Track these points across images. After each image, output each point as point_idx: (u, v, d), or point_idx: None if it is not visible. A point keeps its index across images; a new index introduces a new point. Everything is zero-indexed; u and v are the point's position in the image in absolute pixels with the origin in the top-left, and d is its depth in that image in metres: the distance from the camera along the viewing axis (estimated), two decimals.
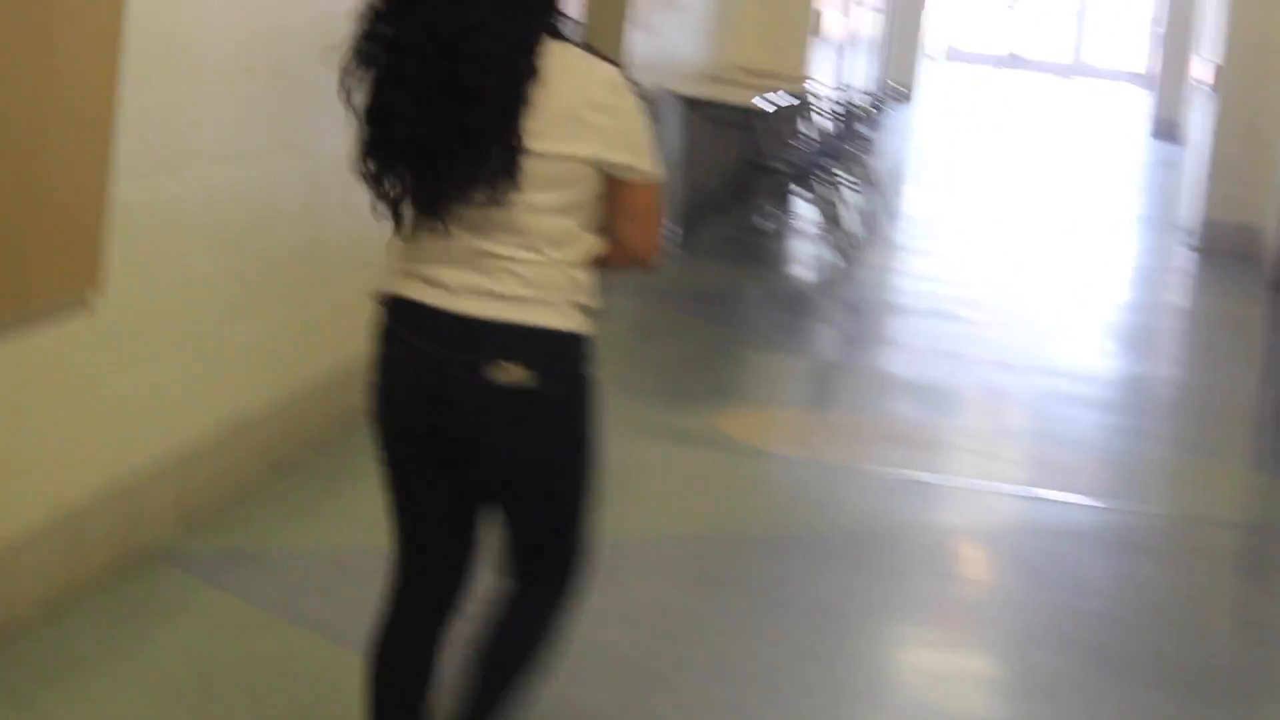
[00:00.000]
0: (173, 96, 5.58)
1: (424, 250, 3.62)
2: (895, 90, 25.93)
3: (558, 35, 3.56)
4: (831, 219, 12.92)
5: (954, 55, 36.22)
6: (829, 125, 13.45)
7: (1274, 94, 15.09)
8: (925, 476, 7.83)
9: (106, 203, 5.17)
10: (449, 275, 3.59)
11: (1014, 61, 36.36)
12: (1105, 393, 10.12)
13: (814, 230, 13.03)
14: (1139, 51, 34.16)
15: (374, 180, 3.59)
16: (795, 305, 11.54)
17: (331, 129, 6.80)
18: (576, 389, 3.66)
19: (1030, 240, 15.34)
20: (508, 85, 3.46)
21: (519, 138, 3.48)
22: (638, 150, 3.58)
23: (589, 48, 3.59)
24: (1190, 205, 15.73)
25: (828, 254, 12.72)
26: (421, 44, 3.47)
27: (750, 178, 13.15)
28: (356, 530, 6.08)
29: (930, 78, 30.71)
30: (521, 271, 3.57)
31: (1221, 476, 8.51)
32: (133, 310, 5.45)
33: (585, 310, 3.66)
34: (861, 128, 14.20)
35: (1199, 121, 16.04)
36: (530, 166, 3.51)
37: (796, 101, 14.17)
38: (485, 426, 3.60)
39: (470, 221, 3.56)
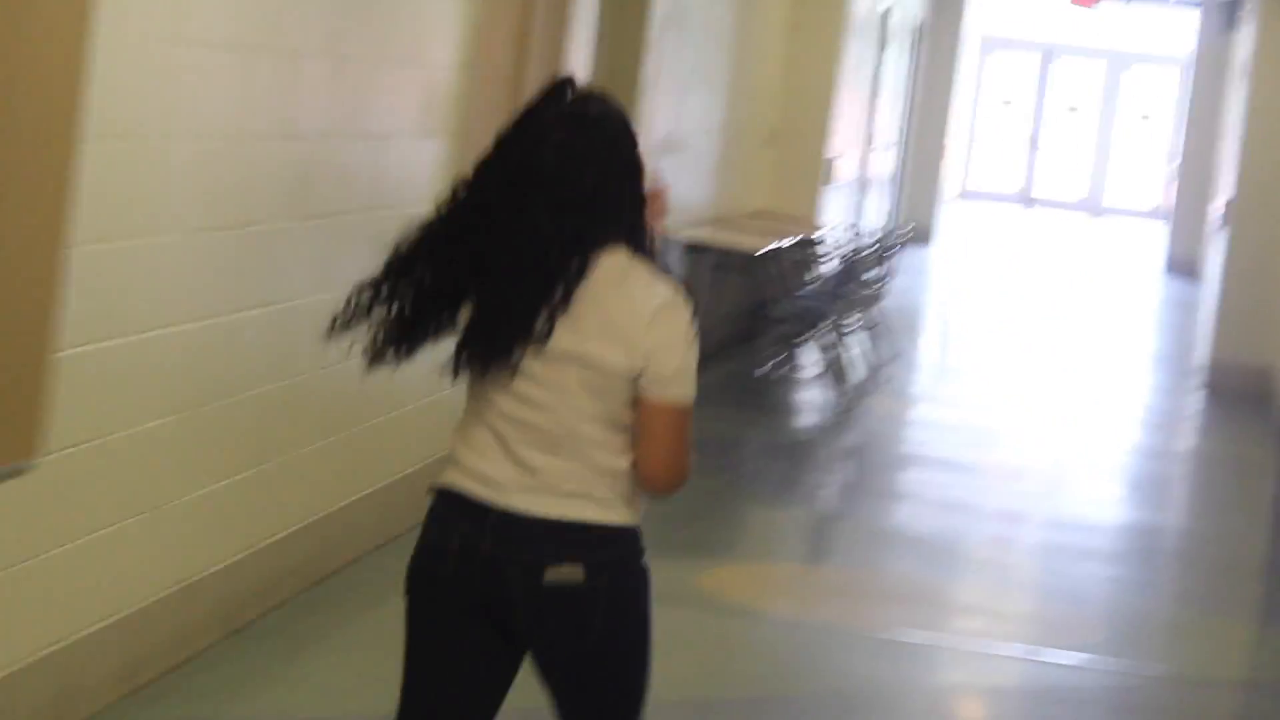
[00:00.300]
0: (127, 253, 5.42)
1: (474, 443, 3.72)
2: (910, 231, 25.93)
3: (632, 246, 3.66)
4: (836, 366, 12.72)
5: (973, 195, 36.11)
6: (837, 269, 13.23)
7: (1277, 232, 14.91)
8: (922, 637, 7.59)
9: (47, 367, 4.99)
10: (498, 470, 3.68)
11: (1033, 200, 36.28)
12: (1113, 544, 9.90)
13: (819, 377, 12.82)
14: (1156, 188, 34.06)
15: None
16: (795, 455, 11.31)
17: (302, 280, 6.71)
18: (629, 583, 3.74)
19: (1042, 385, 15.13)
20: (550, 274, 3.59)
21: (542, 325, 3.59)
22: (677, 372, 3.65)
23: (658, 265, 3.70)
24: (1202, 345, 15.53)
25: (831, 402, 12.51)
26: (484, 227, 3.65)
27: (754, 324, 12.97)
28: (317, 698, 5.85)
29: (949, 218, 30.61)
30: (567, 467, 3.66)
31: (1228, 633, 8.28)
32: (78, 471, 5.26)
33: (630, 502, 3.73)
34: (872, 271, 14.03)
35: (1213, 259, 15.88)
36: (568, 367, 3.62)
37: (805, 246, 14.02)
38: (541, 623, 3.69)
39: (516, 418, 3.67)
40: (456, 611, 3.72)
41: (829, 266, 14.01)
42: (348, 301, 3.73)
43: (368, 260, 6.96)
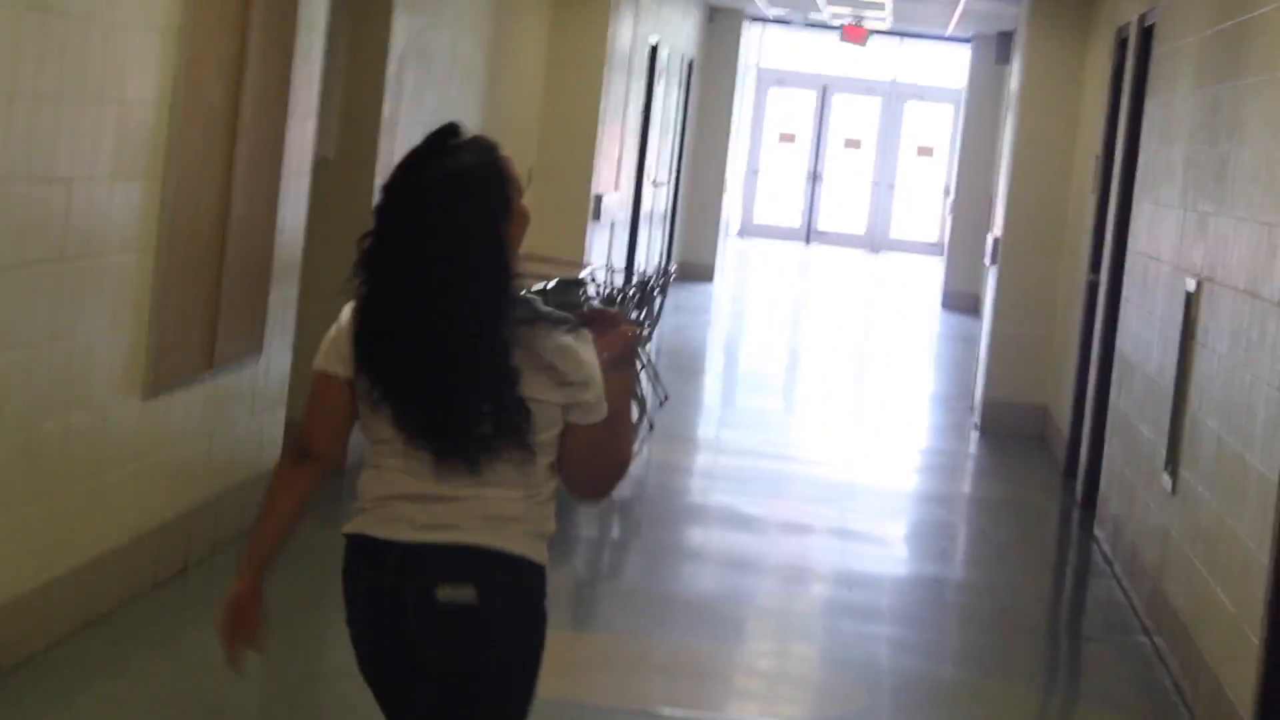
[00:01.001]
0: None
1: (387, 493, 3.85)
2: (675, 270, 25.54)
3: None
4: None
5: (757, 230, 35.85)
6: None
7: (1050, 267, 14.57)
8: (689, 715, 7.01)
9: None
10: (413, 511, 3.83)
11: (815, 235, 36.07)
12: (895, 601, 9.41)
13: None
14: (936, 222, 33.98)
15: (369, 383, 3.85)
16: (556, 509, 10.67)
17: (47, 320, 6.07)
18: (522, 612, 3.86)
19: (824, 428, 14.67)
20: (499, 351, 3.76)
21: (517, 396, 3.78)
22: (598, 399, 3.85)
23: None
24: (979, 384, 15.17)
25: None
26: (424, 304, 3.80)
27: None
28: None
29: (730, 254, 30.25)
30: (482, 506, 3.82)
31: (1007, 697, 7.79)
32: None
33: (541, 538, 3.90)
34: (638, 311, 13.48)
35: (987, 296, 15.52)
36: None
37: (566, 287, 13.42)
38: (441, 645, 3.82)
39: (426, 472, 3.82)
40: (377, 659, 3.93)
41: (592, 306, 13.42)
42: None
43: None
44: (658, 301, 14.53)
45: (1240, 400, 7.33)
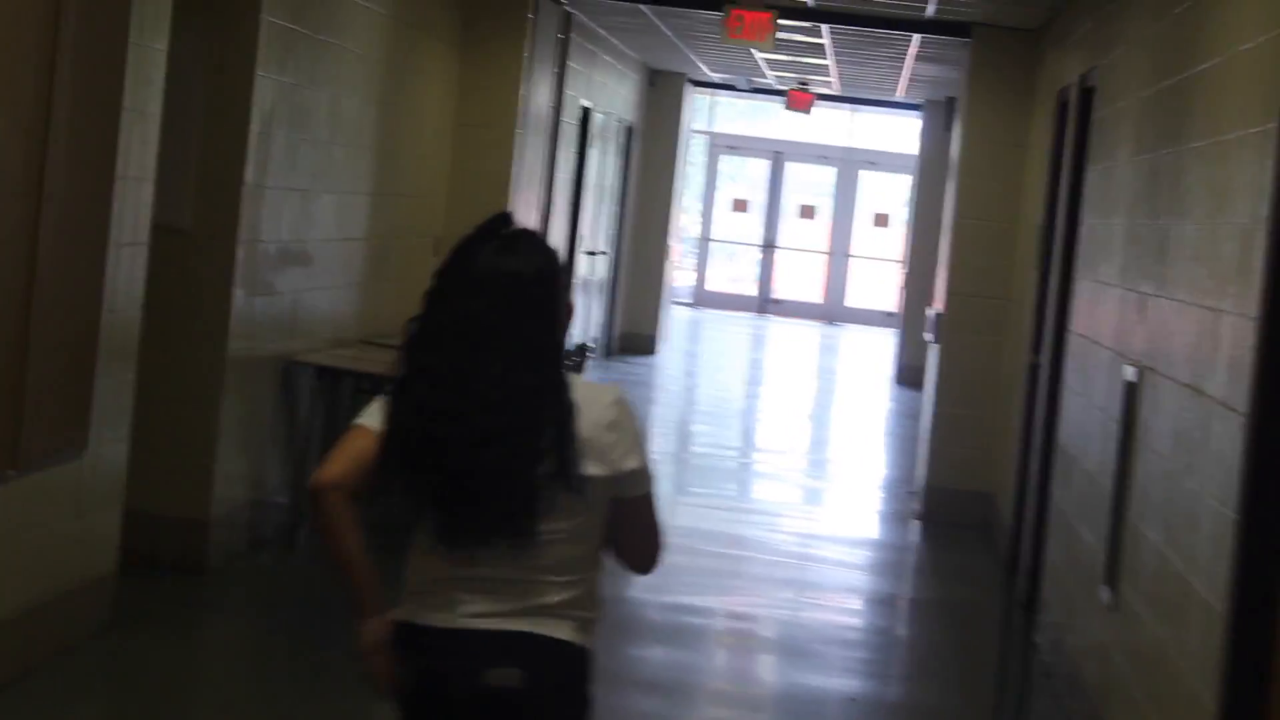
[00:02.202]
0: None
1: (436, 576, 3.89)
2: (629, 339, 24.64)
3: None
4: None
5: (710, 299, 35.01)
6: None
7: (993, 346, 13.65)
8: None
9: None
10: (460, 599, 3.86)
11: (770, 304, 35.20)
12: None
13: None
14: (892, 293, 33.12)
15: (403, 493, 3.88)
16: None
17: None
18: (568, 697, 3.91)
19: (768, 518, 13.65)
20: (561, 421, 3.82)
21: (574, 470, 3.81)
22: (643, 460, 3.90)
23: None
24: (923, 469, 14.21)
25: None
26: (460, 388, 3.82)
27: None
28: None
29: (675, 325, 29.33)
30: (524, 590, 3.85)
31: None
32: None
33: (589, 625, 3.93)
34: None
35: (929, 375, 14.58)
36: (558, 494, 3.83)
37: None
38: None
39: (487, 551, 3.83)
40: None
41: None
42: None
43: None
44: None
45: (1183, 512, 6.38)
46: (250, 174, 9.36)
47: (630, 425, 3.90)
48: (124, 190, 7.79)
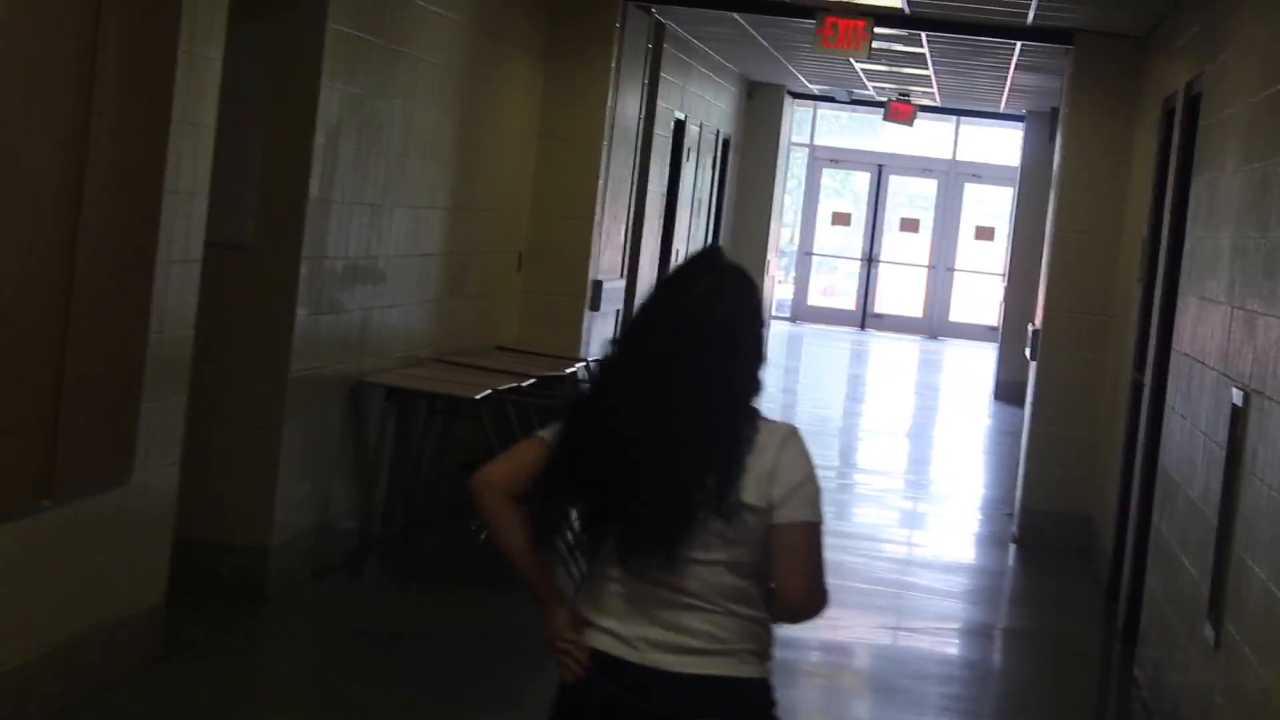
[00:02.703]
0: None
1: (608, 604, 3.90)
2: None
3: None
4: (570, 526, 10.70)
5: (808, 314, 34.52)
6: None
7: (1095, 364, 13.14)
8: None
9: None
10: (636, 629, 3.87)
11: (871, 318, 34.66)
12: None
13: (565, 547, 10.65)
14: (994, 308, 32.52)
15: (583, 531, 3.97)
16: (520, 646, 9.23)
17: None
18: None
19: (864, 546, 13.15)
20: (732, 451, 3.86)
21: (736, 497, 3.85)
22: (809, 496, 3.87)
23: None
24: (1020, 490, 13.71)
25: (578, 577, 10.45)
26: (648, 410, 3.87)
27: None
28: None
29: (778, 339, 28.86)
30: (702, 624, 3.85)
31: None
32: None
33: (763, 656, 3.91)
34: None
35: (1029, 393, 14.07)
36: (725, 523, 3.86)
37: (553, 383, 12.08)
38: None
39: (652, 578, 3.86)
40: None
41: None
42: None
43: None
44: None
45: None
46: (315, 187, 9.00)
47: (799, 461, 3.91)
48: (174, 205, 7.44)
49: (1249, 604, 6.54)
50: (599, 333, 14.23)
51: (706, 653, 3.85)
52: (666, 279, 3.98)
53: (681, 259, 4.34)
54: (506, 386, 10.76)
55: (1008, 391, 22.33)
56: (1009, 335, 22.65)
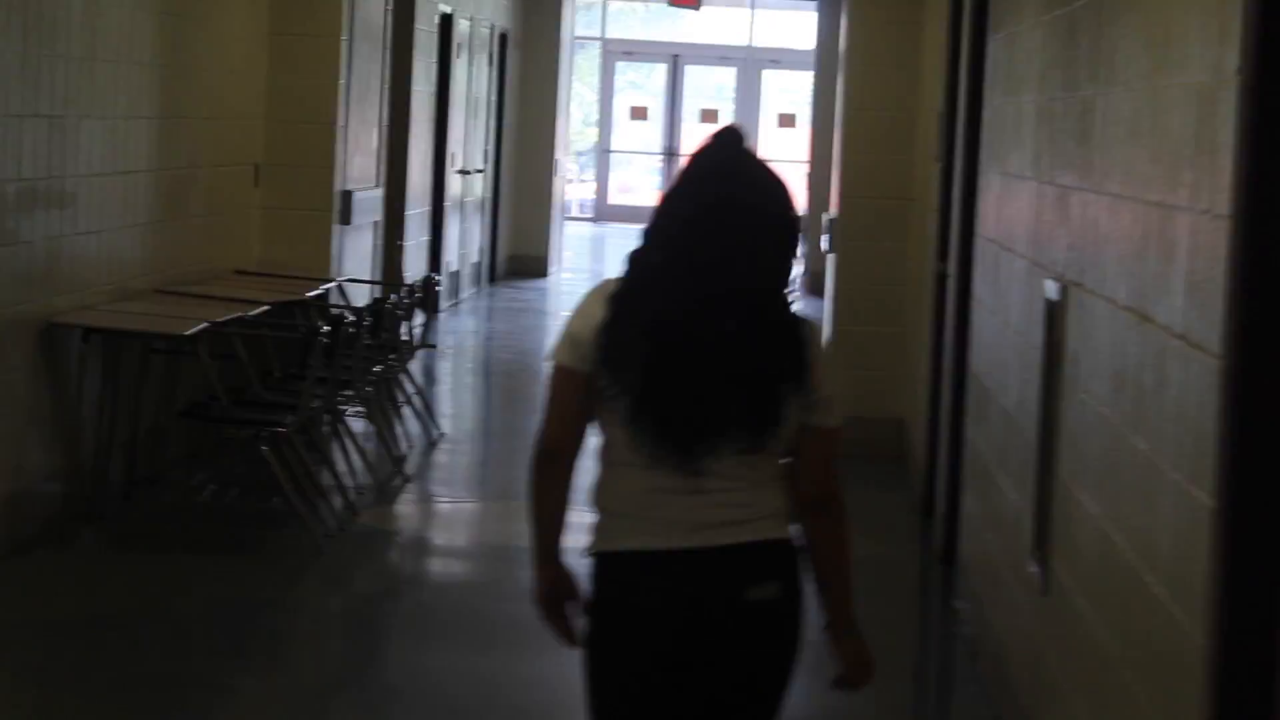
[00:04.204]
0: None
1: (639, 500, 3.88)
2: (518, 262, 22.82)
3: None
4: (308, 472, 9.38)
5: (611, 214, 33.34)
6: (330, 338, 9.66)
7: (896, 254, 12.00)
8: None
9: None
10: (674, 516, 3.86)
11: None
12: None
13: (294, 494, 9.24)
14: (801, 199, 31.46)
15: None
16: (255, 618, 7.89)
17: None
18: (801, 594, 3.94)
19: None
20: (803, 349, 3.89)
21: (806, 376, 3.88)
22: (838, 399, 3.94)
23: None
24: None
25: (318, 526, 9.13)
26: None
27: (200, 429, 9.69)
28: None
29: (575, 242, 27.62)
30: (739, 499, 3.88)
31: None
32: None
33: (788, 519, 3.95)
34: (390, 332, 10.77)
35: (828, 290, 12.90)
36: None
37: (295, 309, 10.75)
38: (744, 645, 3.88)
39: (687, 468, 3.86)
40: (658, 672, 3.89)
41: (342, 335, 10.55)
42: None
43: None
44: (417, 322, 11.85)
45: (1132, 482, 4.72)
46: None
47: (833, 367, 3.94)
48: None
49: (1079, 544, 5.38)
50: (354, 248, 12.89)
51: (750, 521, 3.87)
52: (697, 171, 3.91)
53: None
54: (229, 317, 9.40)
55: (813, 284, 21.21)
56: (814, 226, 21.52)
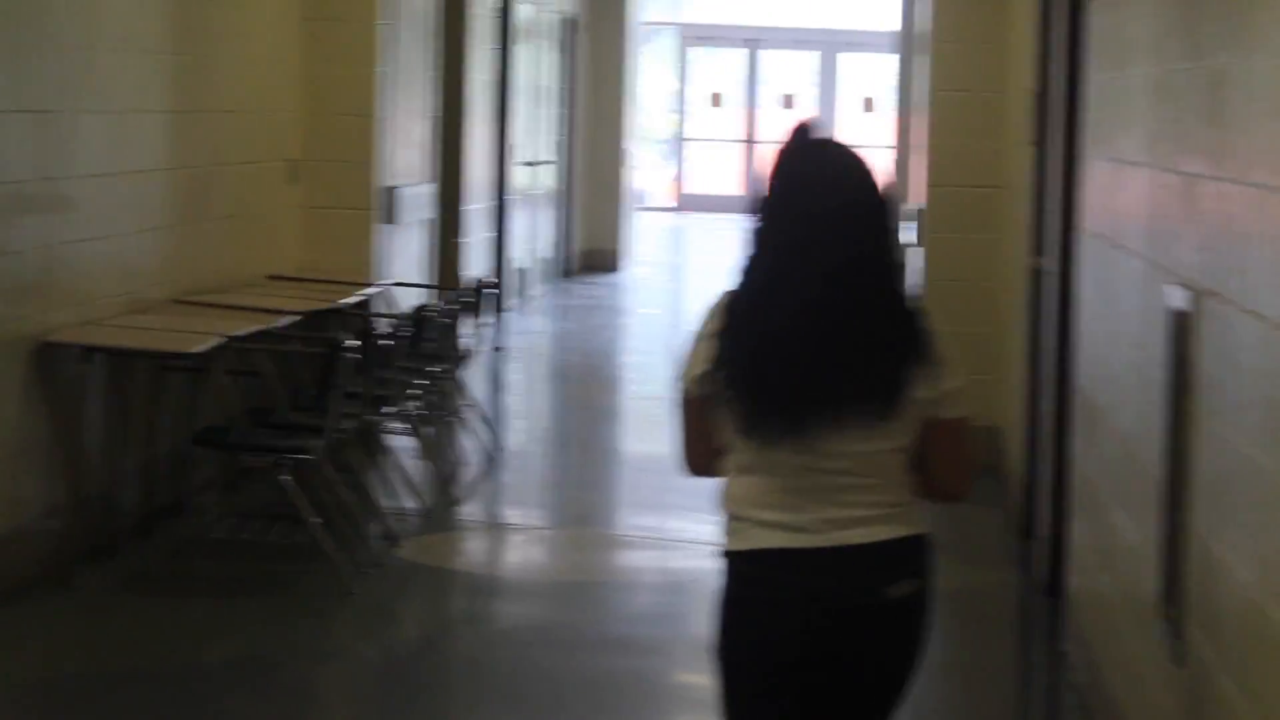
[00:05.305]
0: None
1: (773, 499, 3.88)
2: (591, 256, 21.90)
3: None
4: (358, 496, 8.46)
5: (690, 203, 32.45)
6: (371, 348, 8.72)
7: (988, 246, 11.00)
8: None
9: None
10: (805, 516, 3.87)
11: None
12: None
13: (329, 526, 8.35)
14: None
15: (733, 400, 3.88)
16: (283, 675, 7.00)
17: None
18: (934, 589, 3.96)
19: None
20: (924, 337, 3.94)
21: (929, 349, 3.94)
22: (961, 390, 3.96)
23: None
24: None
25: (353, 549, 8.23)
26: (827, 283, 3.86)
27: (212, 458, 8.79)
28: None
29: (653, 234, 26.68)
30: (870, 496, 3.86)
31: None
32: None
33: (921, 515, 3.98)
34: (439, 341, 9.86)
35: (913, 281, 11.93)
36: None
37: (330, 318, 9.88)
38: (879, 641, 3.90)
39: (819, 468, 3.85)
40: (792, 666, 3.89)
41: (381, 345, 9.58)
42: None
43: None
44: (478, 324, 10.93)
45: None
46: None
47: (956, 356, 3.96)
48: None
49: (1225, 613, 4.40)
50: (402, 249, 11.98)
51: (885, 519, 3.86)
52: (786, 169, 3.92)
53: (781, 145, 3.96)
54: (249, 330, 8.51)
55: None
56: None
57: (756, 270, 3.90)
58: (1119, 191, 6.36)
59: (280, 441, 8.03)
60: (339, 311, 9.93)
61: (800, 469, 3.86)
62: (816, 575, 3.87)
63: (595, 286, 20.77)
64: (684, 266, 24.92)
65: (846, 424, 3.83)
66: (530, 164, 18.58)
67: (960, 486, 4.02)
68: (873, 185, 3.93)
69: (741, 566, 3.93)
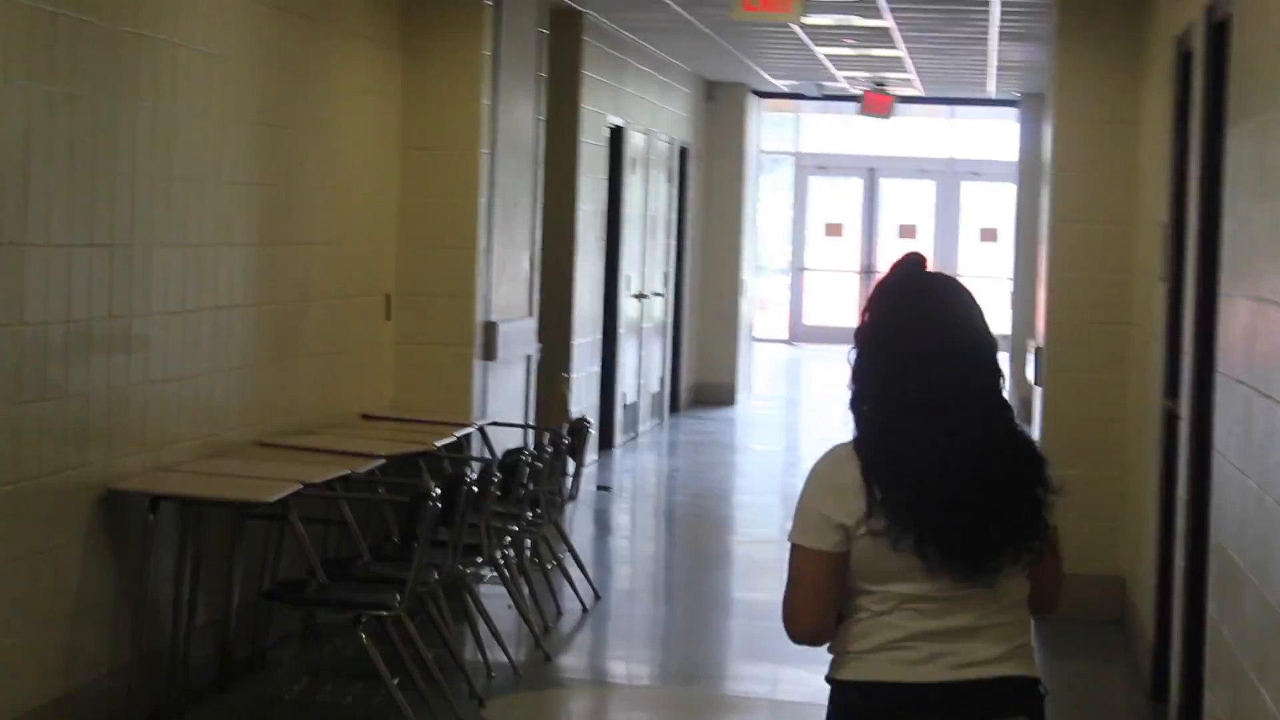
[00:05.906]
0: None
1: (894, 629, 3.82)
2: (703, 390, 21.43)
3: None
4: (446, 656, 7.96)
5: (806, 334, 32.00)
6: (458, 494, 8.23)
7: (1115, 387, 10.42)
8: None
9: None
10: (940, 648, 3.81)
11: None
12: None
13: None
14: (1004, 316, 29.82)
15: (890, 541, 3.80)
16: None
17: None
18: None
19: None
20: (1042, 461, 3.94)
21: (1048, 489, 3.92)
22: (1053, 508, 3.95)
23: None
24: None
25: (433, 711, 7.73)
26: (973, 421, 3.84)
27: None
28: None
29: (769, 365, 26.19)
30: (1007, 631, 3.83)
31: None
32: None
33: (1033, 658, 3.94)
34: (536, 486, 9.40)
35: (1035, 424, 11.34)
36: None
37: (424, 461, 9.43)
38: None
39: (946, 597, 3.81)
40: None
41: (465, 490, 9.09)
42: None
43: None
44: (572, 466, 10.45)
45: None
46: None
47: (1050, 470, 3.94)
48: None
49: None
50: (503, 387, 11.54)
51: (1010, 657, 3.82)
52: (906, 305, 3.88)
53: (892, 275, 3.93)
54: (327, 478, 8.05)
55: (1024, 414, 19.59)
56: (1018, 346, 19.94)
57: (888, 409, 3.82)
58: (1265, 335, 5.81)
59: (358, 596, 7.55)
60: (429, 454, 9.46)
61: (951, 610, 3.81)
62: (928, 711, 3.82)
63: (708, 421, 20.26)
64: (800, 400, 24.39)
65: (1007, 562, 3.81)
66: (639, 297, 18.16)
67: (1059, 598, 4.02)
68: (985, 318, 3.93)
69: (852, 697, 3.87)
